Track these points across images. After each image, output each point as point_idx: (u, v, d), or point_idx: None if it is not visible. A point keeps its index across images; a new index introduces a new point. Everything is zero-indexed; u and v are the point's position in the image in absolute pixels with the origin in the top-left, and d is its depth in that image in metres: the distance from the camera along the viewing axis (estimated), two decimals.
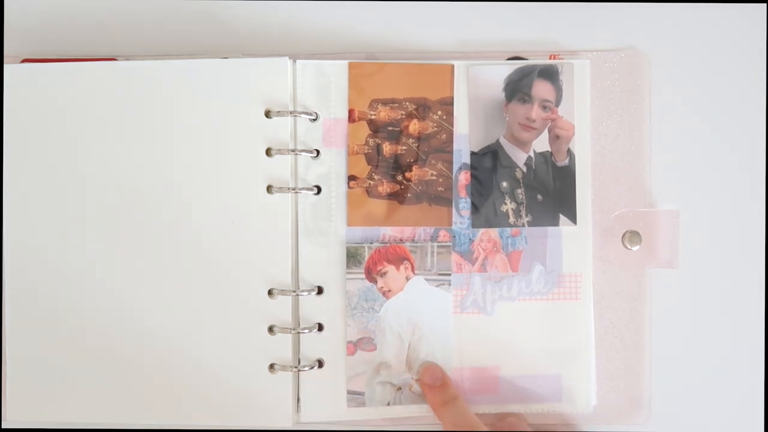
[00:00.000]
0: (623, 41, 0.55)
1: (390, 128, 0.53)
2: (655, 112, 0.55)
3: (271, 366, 0.52)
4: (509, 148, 0.53)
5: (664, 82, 0.55)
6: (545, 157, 0.53)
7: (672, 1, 0.55)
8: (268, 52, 0.53)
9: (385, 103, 0.53)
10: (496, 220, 0.53)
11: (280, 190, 0.52)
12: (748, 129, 0.55)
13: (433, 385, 0.52)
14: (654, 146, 0.55)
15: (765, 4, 0.55)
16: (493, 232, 0.54)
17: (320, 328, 0.53)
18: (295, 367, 0.53)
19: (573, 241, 0.54)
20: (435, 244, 0.53)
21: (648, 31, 0.55)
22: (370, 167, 0.53)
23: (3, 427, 0.54)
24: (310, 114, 0.53)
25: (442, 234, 0.53)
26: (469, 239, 0.54)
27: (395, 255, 0.53)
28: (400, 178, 0.53)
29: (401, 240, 0.53)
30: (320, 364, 0.53)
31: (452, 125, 0.53)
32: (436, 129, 0.53)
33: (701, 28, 0.55)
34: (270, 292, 0.52)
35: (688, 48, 0.55)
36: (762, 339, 0.55)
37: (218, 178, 0.52)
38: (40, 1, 0.55)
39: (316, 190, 0.53)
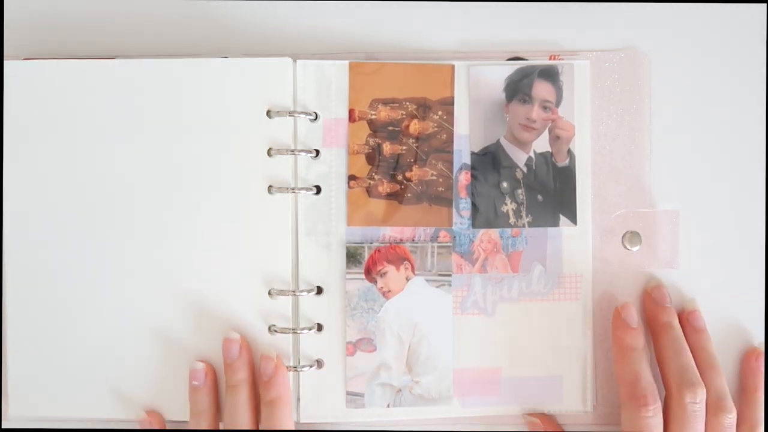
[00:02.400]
0: (623, 41, 0.55)
1: (390, 128, 0.53)
2: (655, 112, 0.55)
3: None
4: (509, 148, 0.53)
5: (664, 82, 0.55)
6: (545, 158, 0.53)
7: (672, 1, 0.55)
8: (268, 52, 0.53)
9: (385, 103, 0.53)
10: (497, 220, 0.53)
11: (280, 190, 0.52)
12: (748, 129, 0.55)
13: (631, 325, 0.52)
14: (654, 146, 0.55)
15: (765, 4, 0.55)
16: (494, 233, 0.54)
17: (319, 328, 0.53)
18: (295, 368, 0.53)
19: (573, 242, 0.54)
20: (435, 244, 0.53)
21: (648, 31, 0.55)
22: (370, 167, 0.53)
23: (3, 426, 0.53)
24: (310, 114, 0.53)
25: (443, 234, 0.53)
26: (470, 240, 0.53)
27: (395, 255, 0.53)
28: (400, 178, 0.53)
29: (401, 240, 0.53)
30: (320, 364, 0.53)
31: (452, 125, 0.53)
32: (436, 129, 0.53)
33: (701, 28, 0.55)
34: (269, 292, 0.52)
35: (688, 48, 0.55)
36: (762, 339, 0.55)
37: (219, 178, 0.52)
38: (40, 1, 0.55)
39: (315, 190, 0.53)
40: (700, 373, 0.51)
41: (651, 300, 0.53)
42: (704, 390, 0.49)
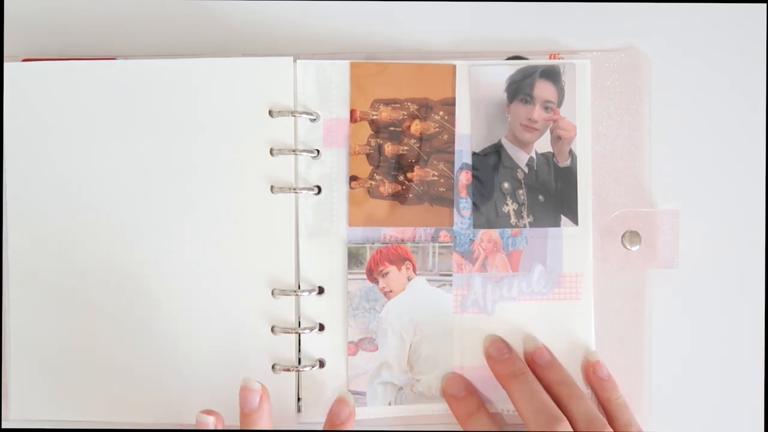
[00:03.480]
0: (623, 41, 0.55)
1: (391, 128, 0.53)
2: (655, 112, 0.55)
3: (273, 366, 0.53)
4: (511, 148, 0.53)
5: (664, 82, 0.55)
6: (547, 158, 0.54)
7: (672, 0, 0.55)
8: (269, 52, 0.53)
9: (386, 103, 0.53)
10: (498, 220, 0.53)
11: (282, 189, 0.52)
12: (748, 129, 0.55)
13: (457, 396, 0.52)
14: (654, 146, 0.55)
15: (765, 4, 0.55)
16: (494, 232, 0.54)
17: (321, 328, 0.53)
18: (296, 368, 0.53)
19: (573, 241, 0.54)
20: (436, 244, 0.53)
21: (648, 31, 0.55)
22: (371, 167, 0.53)
23: (3, 426, 0.53)
24: (311, 114, 0.53)
25: (443, 234, 0.53)
26: (470, 239, 0.54)
27: (396, 255, 0.53)
28: (401, 178, 0.53)
29: (402, 240, 0.53)
30: (321, 364, 0.53)
31: (454, 126, 0.53)
32: (437, 129, 0.53)
33: (701, 28, 0.55)
34: (271, 292, 0.52)
35: (688, 48, 0.55)
36: (762, 339, 0.55)
37: (222, 178, 0.52)
38: (40, 1, 0.55)
39: (316, 191, 0.53)
40: (565, 406, 0.49)
41: (491, 358, 0.53)
42: (566, 422, 0.48)
